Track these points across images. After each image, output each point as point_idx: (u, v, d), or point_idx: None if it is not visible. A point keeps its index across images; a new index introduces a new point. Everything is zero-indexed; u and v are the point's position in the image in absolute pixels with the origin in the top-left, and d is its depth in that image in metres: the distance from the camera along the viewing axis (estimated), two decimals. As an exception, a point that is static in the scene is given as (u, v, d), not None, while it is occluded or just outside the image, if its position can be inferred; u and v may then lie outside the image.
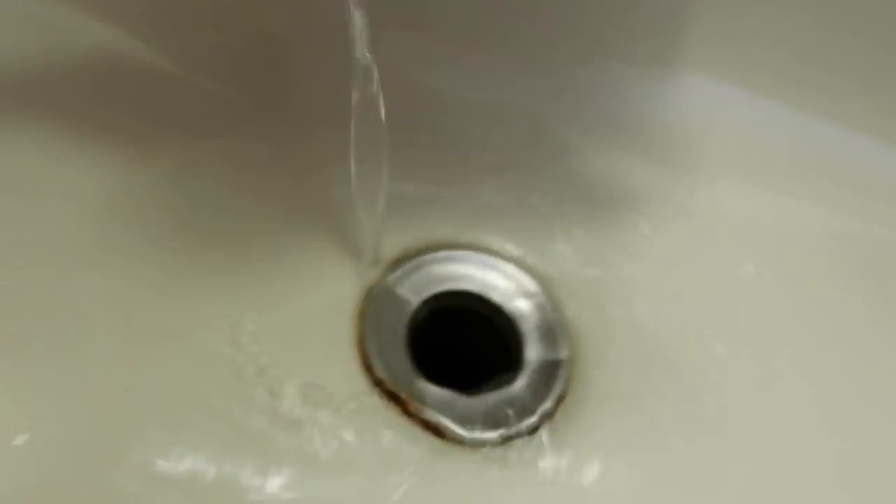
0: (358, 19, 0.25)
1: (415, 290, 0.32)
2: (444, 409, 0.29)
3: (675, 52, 0.36)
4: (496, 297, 0.33)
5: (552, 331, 0.32)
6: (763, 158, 0.36)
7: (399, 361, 0.30)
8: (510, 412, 0.30)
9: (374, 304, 0.31)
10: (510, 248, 0.34)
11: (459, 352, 0.33)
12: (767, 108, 0.36)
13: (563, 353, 0.31)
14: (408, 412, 0.28)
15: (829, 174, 0.36)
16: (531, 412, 0.30)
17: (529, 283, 0.33)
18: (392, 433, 0.28)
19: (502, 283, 0.33)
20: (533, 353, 0.31)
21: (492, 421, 0.29)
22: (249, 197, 0.32)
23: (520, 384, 0.31)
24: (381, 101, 0.27)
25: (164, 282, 0.29)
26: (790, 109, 0.36)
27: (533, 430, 0.29)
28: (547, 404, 0.30)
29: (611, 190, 0.36)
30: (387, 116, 0.27)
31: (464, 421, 0.29)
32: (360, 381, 0.29)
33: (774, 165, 0.36)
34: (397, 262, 0.32)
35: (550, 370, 0.31)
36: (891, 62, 0.34)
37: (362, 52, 0.25)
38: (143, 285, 0.28)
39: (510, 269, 0.33)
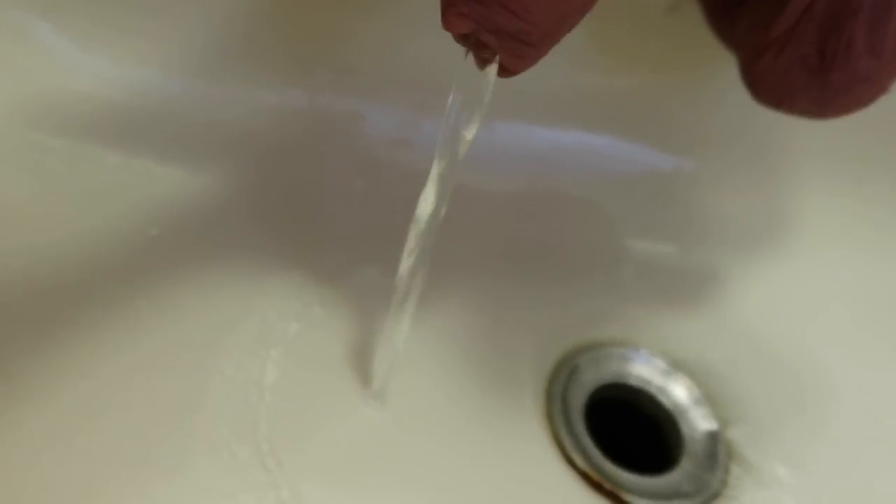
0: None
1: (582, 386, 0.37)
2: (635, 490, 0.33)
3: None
4: (646, 386, 0.38)
5: (701, 404, 0.37)
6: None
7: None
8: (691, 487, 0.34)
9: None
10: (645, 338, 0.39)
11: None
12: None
13: (716, 425, 0.36)
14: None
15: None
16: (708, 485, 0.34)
17: (666, 366, 0.38)
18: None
19: (647, 371, 0.38)
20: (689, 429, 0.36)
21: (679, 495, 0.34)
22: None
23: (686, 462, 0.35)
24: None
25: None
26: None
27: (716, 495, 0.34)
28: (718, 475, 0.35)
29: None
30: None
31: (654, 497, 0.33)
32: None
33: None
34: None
35: (712, 443, 0.36)
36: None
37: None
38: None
39: (650, 356, 0.38)
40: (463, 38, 0.21)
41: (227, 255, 0.35)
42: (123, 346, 0.31)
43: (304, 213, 0.38)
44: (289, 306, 0.34)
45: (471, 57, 0.22)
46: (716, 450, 0.35)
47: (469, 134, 0.24)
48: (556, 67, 0.38)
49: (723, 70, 0.35)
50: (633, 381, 0.37)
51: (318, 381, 0.33)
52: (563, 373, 0.36)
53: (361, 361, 0.33)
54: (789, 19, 0.23)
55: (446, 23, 0.20)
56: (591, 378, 0.37)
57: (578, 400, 0.36)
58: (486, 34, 0.20)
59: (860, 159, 0.41)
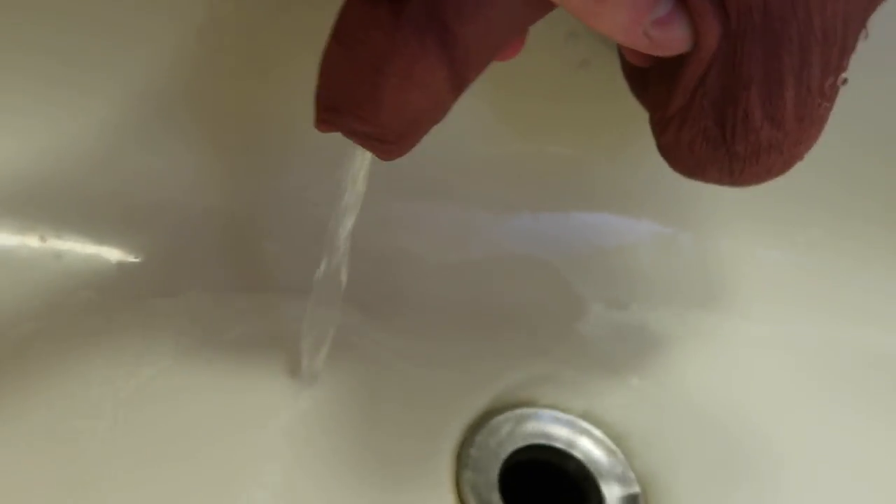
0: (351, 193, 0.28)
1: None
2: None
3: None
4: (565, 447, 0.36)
5: (624, 473, 0.36)
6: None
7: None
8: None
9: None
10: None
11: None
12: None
13: (636, 488, 0.35)
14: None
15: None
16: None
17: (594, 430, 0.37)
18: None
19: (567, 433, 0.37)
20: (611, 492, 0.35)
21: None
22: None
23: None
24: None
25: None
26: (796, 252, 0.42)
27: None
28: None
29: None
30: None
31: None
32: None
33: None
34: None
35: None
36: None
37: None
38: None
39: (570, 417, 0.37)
40: None
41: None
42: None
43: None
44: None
45: None
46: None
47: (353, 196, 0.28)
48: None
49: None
50: (554, 444, 0.36)
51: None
52: (475, 437, 0.35)
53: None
54: (683, 97, 0.23)
55: (315, 124, 0.22)
56: (507, 441, 0.35)
57: (493, 467, 0.34)
58: (347, 135, 0.22)
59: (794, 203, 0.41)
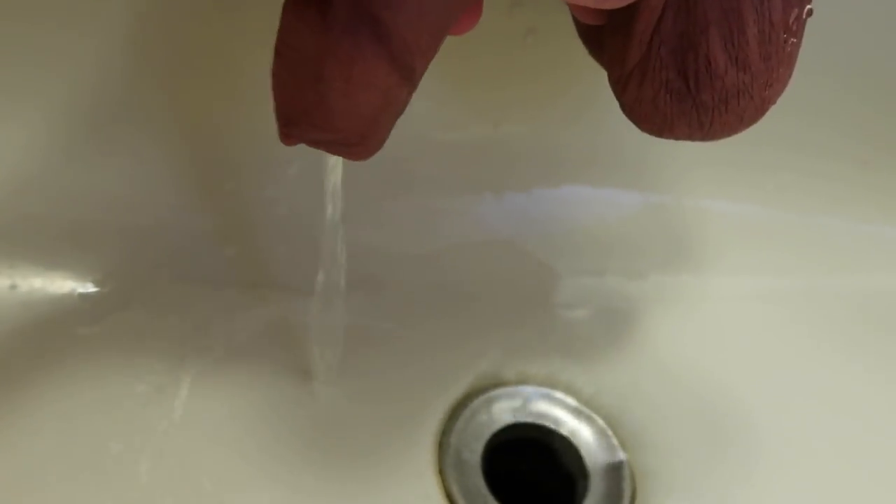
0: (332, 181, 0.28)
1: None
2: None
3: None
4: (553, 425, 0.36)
5: (607, 442, 0.36)
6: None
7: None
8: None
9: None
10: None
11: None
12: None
13: (621, 456, 0.35)
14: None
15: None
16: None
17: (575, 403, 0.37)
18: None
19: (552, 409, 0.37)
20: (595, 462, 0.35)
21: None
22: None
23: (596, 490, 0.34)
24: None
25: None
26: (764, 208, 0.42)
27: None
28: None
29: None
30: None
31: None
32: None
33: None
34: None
35: (616, 472, 0.35)
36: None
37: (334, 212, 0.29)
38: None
39: (550, 392, 0.37)
40: None
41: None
42: None
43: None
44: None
45: None
46: (622, 490, 0.34)
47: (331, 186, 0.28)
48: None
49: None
50: (536, 420, 0.36)
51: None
52: (456, 422, 0.35)
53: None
54: (639, 49, 0.22)
55: (280, 139, 0.22)
56: (488, 422, 0.35)
57: (475, 449, 0.34)
58: (311, 144, 0.22)
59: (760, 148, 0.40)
